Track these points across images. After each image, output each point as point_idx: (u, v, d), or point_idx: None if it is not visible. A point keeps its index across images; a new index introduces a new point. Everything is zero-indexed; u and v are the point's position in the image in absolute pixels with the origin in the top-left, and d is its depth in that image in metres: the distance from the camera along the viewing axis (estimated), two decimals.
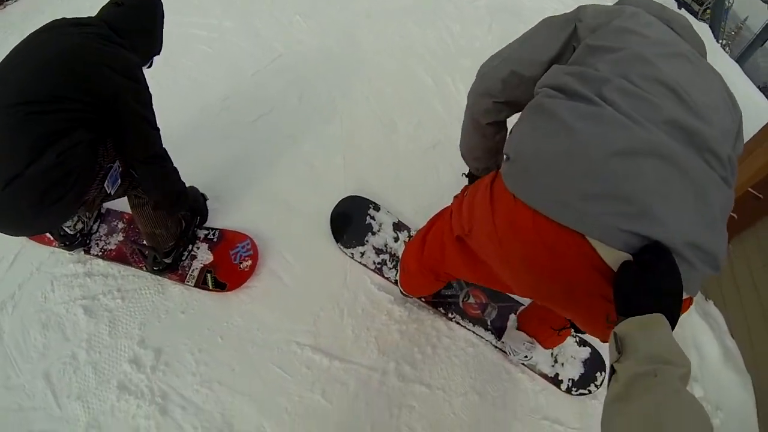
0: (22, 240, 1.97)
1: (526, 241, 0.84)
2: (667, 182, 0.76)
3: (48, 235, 1.88)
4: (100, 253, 1.93)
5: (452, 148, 2.09)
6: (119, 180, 1.44)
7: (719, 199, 0.80)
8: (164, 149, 1.54)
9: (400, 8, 3.42)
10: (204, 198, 2.02)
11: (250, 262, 1.85)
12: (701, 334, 2.29)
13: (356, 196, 2.09)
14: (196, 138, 2.37)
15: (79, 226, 1.89)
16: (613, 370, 0.66)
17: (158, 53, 1.68)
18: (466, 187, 1.25)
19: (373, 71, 2.86)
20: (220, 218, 2.05)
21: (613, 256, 0.76)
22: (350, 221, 2.01)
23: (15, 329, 1.77)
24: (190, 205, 1.86)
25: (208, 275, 1.83)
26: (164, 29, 1.65)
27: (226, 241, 1.93)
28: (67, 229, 1.84)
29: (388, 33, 3.19)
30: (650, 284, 0.70)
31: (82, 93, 1.24)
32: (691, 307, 2.25)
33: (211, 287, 1.80)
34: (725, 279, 2.41)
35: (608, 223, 0.75)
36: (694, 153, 0.79)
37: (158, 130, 1.50)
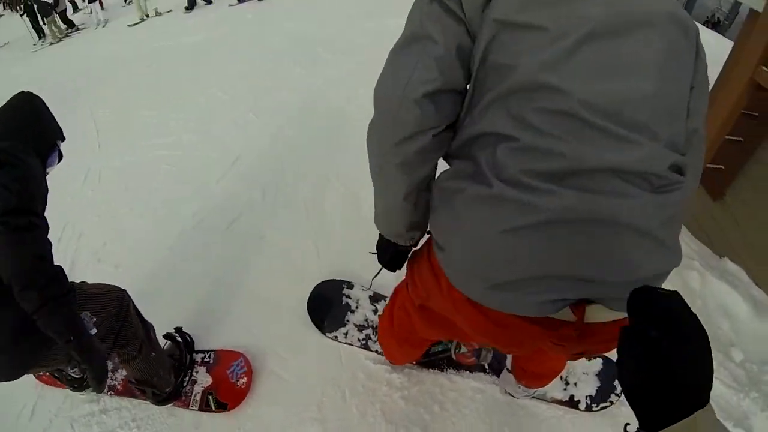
0: (38, 389, 2.10)
1: (470, 316, 0.92)
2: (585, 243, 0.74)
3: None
4: (109, 391, 2.05)
5: None
6: (93, 329, 1.41)
7: (658, 215, 0.74)
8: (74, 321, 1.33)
9: (346, 75, 3.67)
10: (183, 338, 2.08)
11: (245, 379, 1.95)
12: (725, 296, 2.24)
13: (327, 280, 2.22)
14: (177, 263, 2.55)
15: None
16: None
17: (61, 139, 1.60)
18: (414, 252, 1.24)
19: (329, 145, 3.08)
20: (214, 338, 2.18)
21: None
22: (327, 305, 2.13)
23: None
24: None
25: (210, 397, 1.93)
26: (54, 122, 1.59)
27: (221, 362, 2.04)
28: (72, 374, 1.87)
29: (337, 100, 3.43)
30: (673, 373, 0.51)
31: None
32: (706, 272, 2.29)
33: (214, 409, 1.90)
34: (731, 232, 2.39)
35: (537, 300, 0.79)
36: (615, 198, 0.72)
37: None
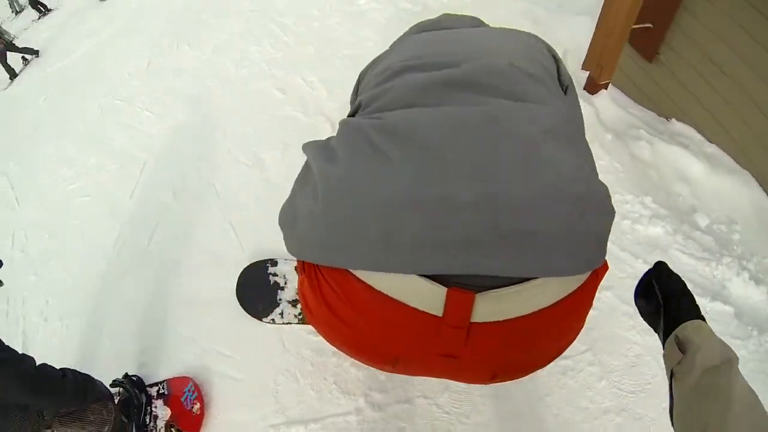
0: None
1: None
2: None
3: None
4: None
5: None
6: None
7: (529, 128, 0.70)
8: (31, 374, 1.54)
9: (233, 37, 3.42)
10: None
11: (198, 404, 1.92)
12: (679, 159, 2.18)
13: (249, 264, 2.11)
14: (112, 297, 2.49)
15: None
16: (672, 374, 0.72)
17: None
18: None
19: (224, 118, 2.89)
20: (164, 361, 2.14)
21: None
22: (257, 289, 2.03)
23: None
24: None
25: (173, 429, 1.92)
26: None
27: (174, 390, 2.00)
28: None
29: (226, 69, 3.21)
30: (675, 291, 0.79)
31: None
32: (655, 138, 2.19)
33: None
34: (672, 90, 2.32)
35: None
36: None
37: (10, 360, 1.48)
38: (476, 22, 1.09)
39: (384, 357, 0.83)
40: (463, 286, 0.66)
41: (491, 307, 0.68)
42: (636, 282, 0.88)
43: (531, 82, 0.76)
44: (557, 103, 0.78)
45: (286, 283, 2.01)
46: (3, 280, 1.84)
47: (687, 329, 0.74)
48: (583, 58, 2.51)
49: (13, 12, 14.33)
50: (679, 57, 2.22)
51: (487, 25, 1.08)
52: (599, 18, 2.28)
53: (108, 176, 3.16)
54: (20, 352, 1.52)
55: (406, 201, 0.64)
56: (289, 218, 0.85)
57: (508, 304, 0.68)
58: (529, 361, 0.84)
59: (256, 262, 2.11)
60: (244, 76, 3.11)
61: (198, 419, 1.91)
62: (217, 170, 2.67)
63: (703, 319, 0.76)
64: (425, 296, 0.67)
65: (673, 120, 2.36)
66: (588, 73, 2.52)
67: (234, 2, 4.25)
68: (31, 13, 12.33)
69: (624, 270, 1.93)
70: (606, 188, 0.75)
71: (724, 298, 1.80)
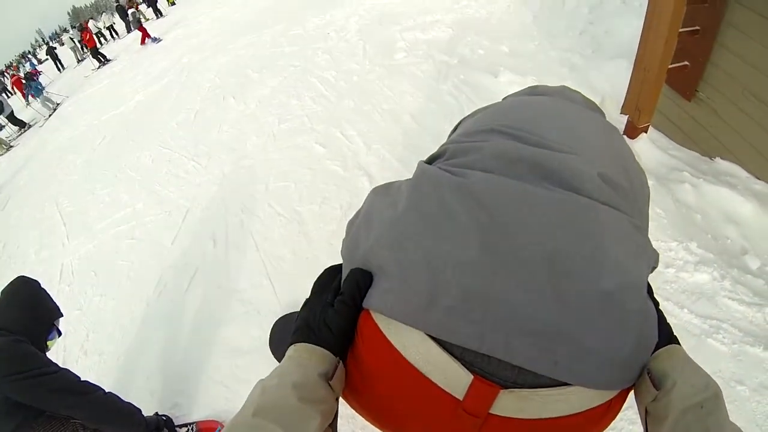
0: None
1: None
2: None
3: None
4: None
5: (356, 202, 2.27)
6: None
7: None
8: (74, 384, 1.80)
9: (275, 91, 3.75)
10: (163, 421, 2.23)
11: None
12: (725, 200, 2.11)
13: (283, 315, 2.28)
14: (150, 337, 2.70)
15: None
16: (646, 413, 0.68)
17: (56, 318, 1.99)
18: None
19: (266, 171, 3.17)
20: (193, 409, 2.30)
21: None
22: (288, 340, 2.18)
23: None
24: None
25: None
26: (49, 302, 2.01)
27: None
28: None
29: (269, 123, 3.52)
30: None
31: None
32: (699, 180, 2.16)
33: None
34: (714, 127, 2.29)
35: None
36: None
37: (57, 372, 1.76)
38: (592, 106, 1.07)
39: (392, 424, 0.83)
40: (489, 376, 0.67)
41: (513, 405, 0.68)
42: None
43: (615, 194, 0.77)
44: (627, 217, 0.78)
45: None
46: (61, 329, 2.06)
47: (660, 357, 0.69)
48: (621, 103, 2.55)
49: (76, 59, 15.95)
50: (719, 93, 2.21)
51: (601, 115, 1.05)
52: (635, 60, 2.33)
53: (154, 222, 3.46)
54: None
55: (466, 265, 0.66)
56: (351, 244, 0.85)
57: (531, 405, 0.68)
58: None
59: (290, 313, 2.28)
60: (286, 130, 3.41)
61: None
62: (257, 222, 2.90)
63: (677, 341, 0.71)
64: (451, 377, 0.68)
65: (717, 159, 2.32)
66: (627, 117, 2.55)
67: (277, 58, 4.63)
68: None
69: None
70: (656, 313, 0.75)
71: None
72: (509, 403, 0.68)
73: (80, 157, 6.19)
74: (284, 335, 2.22)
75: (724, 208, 2.10)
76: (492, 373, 0.66)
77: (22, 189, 6.97)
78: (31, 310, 1.91)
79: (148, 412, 2.16)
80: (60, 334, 2.02)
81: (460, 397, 0.68)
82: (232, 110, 4.31)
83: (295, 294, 2.43)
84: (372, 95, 3.38)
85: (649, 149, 2.45)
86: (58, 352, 2.95)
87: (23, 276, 2.00)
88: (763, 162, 2.09)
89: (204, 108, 4.75)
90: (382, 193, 0.83)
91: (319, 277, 0.84)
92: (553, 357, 0.64)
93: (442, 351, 0.67)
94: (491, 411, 0.69)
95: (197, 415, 2.27)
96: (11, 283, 1.95)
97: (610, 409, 0.73)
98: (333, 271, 0.82)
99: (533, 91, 1.09)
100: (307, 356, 0.70)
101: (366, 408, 0.84)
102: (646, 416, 0.68)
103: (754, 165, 2.15)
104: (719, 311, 1.83)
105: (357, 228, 0.83)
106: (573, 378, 0.65)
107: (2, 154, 11.72)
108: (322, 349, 0.71)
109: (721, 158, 2.30)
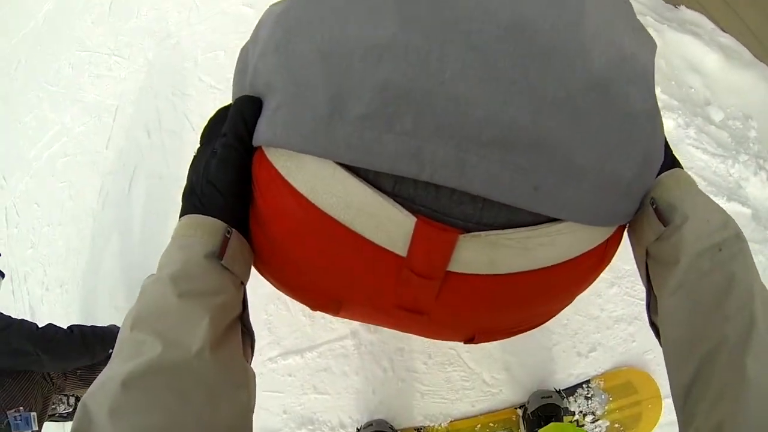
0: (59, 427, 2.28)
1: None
2: None
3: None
4: None
5: None
6: (32, 414, 1.62)
7: None
8: (35, 334, 1.67)
9: None
10: None
11: None
12: (689, 49, 2.05)
13: None
14: (101, 251, 2.58)
15: (72, 401, 2.11)
16: (647, 255, 0.55)
17: None
18: None
19: (193, 47, 2.87)
20: None
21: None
22: None
23: None
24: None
25: None
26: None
27: None
28: (62, 412, 2.08)
29: None
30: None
31: None
32: (663, 26, 2.06)
33: None
34: None
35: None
36: None
37: (10, 326, 1.63)
38: None
39: (321, 299, 0.65)
40: (439, 217, 0.45)
41: (480, 256, 0.47)
42: None
43: None
44: None
45: None
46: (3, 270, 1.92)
47: (665, 185, 0.53)
48: None
49: None
50: None
51: None
52: None
53: (85, 130, 3.16)
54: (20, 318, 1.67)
55: (383, 48, 0.42)
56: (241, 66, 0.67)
57: (505, 254, 0.47)
58: (517, 325, 0.65)
59: None
60: None
61: None
62: (190, 101, 2.63)
63: (680, 166, 0.56)
64: (384, 223, 0.46)
65: (682, 7, 2.19)
66: None
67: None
68: None
69: None
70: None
71: (741, 198, 1.74)
72: (474, 254, 0.47)
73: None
74: None
75: (687, 57, 2.06)
76: (443, 212, 0.45)
77: None
78: None
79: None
80: (3, 276, 1.90)
81: (403, 253, 0.48)
82: None
83: None
84: None
85: None
86: (22, 296, 2.86)
87: None
88: (731, 13, 1.98)
89: None
90: None
91: (206, 124, 0.65)
92: (530, 179, 0.43)
93: (365, 185, 0.44)
94: (450, 268, 0.48)
95: None
96: None
97: (606, 255, 0.56)
98: (222, 111, 0.63)
99: None
100: (191, 232, 0.51)
101: (285, 282, 0.65)
102: (646, 260, 0.55)
103: (720, 15, 2.06)
104: (684, 159, 1.77)
105: (244, 49, 0.65)
106: (560, 210, 0.45)
107: None
108: (207, 218, 0.52)
109: (686, 6, 2.18)
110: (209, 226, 0.51)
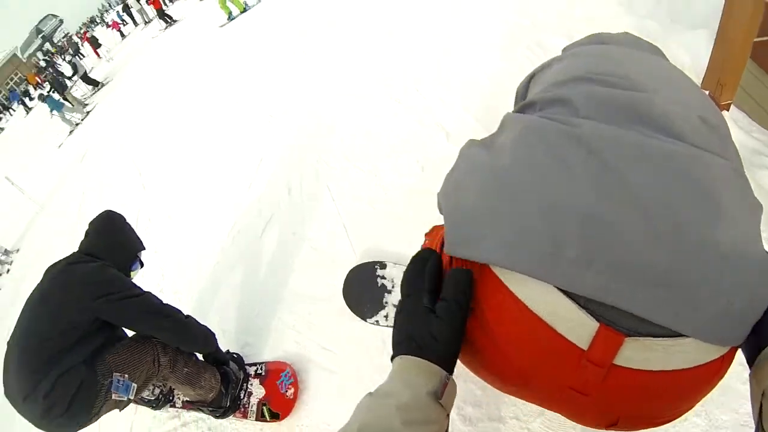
0: (132, 408, 2.56)
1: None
2: None
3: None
4: (181, 406, 2.47)
5: (438, 162, 2.46)
6: (132, 385, 1.88)
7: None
8: (159, 306, 1.96)
9: (337, 52, 3.87)
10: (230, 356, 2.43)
11: (292, 389, 2.20)
12: None
13: (359, 264, 2.35)
14: (223, 279, 2.91)
15: (156, 391, 2.38)
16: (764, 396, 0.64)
17: (139, 251, 2.18)
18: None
19: (343, 125, 3.29)
20: (265, 345, 2.47)
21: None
22: (363, 290, 2.25)
23: None
24: (217, 358, 2.29)
25: (264, 408, 2.22)
26: (133, 234, 2.20)
27: (271, 373, 2.31)
28: (146, 397, 2.36)
29: (346, 82, 3.62)
30: None
31: (68, 324, 1.77)
32: None
33: (268, 419, 2.19)
34: None
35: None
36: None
37: (142, 295, 1.93)
38: (658, 52, 1.10)
39: (513, 378, 0.85)
40: (613, 325, 0.69)
41: (638, 355, 0.70)
42: None
43: (716, 138, 0.79)
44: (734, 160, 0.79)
45: (393, 287, 2.21)
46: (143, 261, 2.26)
47: None
48: (702, 77, 2.46)
49: (142, 23, 17.05)
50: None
51: (667, 60, 1.10)
52: (718, 32, 2.25)
53: (229, 169, 3.69)
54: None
55: (587, 215, 0.68)
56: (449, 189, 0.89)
57: (656, 356, 0.70)
58: (655, 416, 0.84)
59: (366, 263, 2.34)
60: (364, 86, 3.50)
61: (290, 403, 2.17)
62: (333, 173, 3.00)
63: None
64: (576, 326, 0.70)
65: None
66: (708, 93, 2.44)
67: (342, 14, 4.72)
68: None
69: None
70: None
71: None
72: (634, 353, 0.69)
73: (155, 112, 6.66)
74: (358, 286, 2.31)
75: None
76: (615, 321, 0.68)
77: (100, 144, 7.49)
78: (117, 240, 2.11)
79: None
80: (142, 265, 2.21)
81: (585, 347, 0.70)
82: (310, 66, 4.43)
83: (371, 245, 2.50)
84: (452, 59, 3.38)
85: (731, 129, 2.31)
86: None
87: (110, 210, 2.20)
88: None
89: (280, 62, 4.94)
90: (480, 145, 0.87)
91: (405, 275, 0.82)
92: (674, 308, 0.66)
93: (570, 301, 0.69)
94: (615, 361, 0.70)
95: (267, 356, 2.44)
96: (99, 215, 2.16)
97: (723, 365, 0.74)
98: (418, 264, 0.82)
99: (599, 39, 1.09)
100: (414, 373, 0.70)
101: (486, 366, 0.89)
102: (762, 399, 0.64)
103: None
104: None
105: (456, 181, 0.87)
106: (691, 330, 0.67)
107: (82, 119, 12.79)
108: (430, 364, 0.71)
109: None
110: (432, 370, 0.73)
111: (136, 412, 2.67)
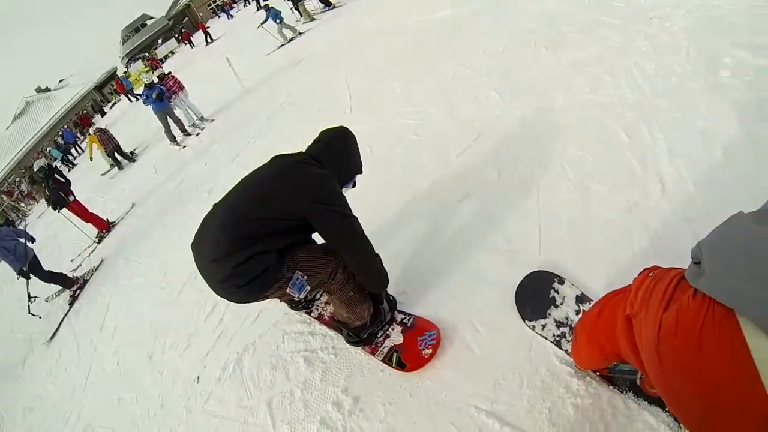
0: (265, 303, 2.87)
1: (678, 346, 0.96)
2: None
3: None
4: (317, 318, 2.73)
5: (647, 211, 2.30)
6: (306, 286, 2.02)
7: None
8: (361, 234, 2.08)
9: (591, 59, 3.76)
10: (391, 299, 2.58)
11: (431, 350, 2.29)
12: None
13: (542, 271, 2.35)
14: (407, 225, 3.13)
15: (303, 294, 2.57)
16: None
17: (358, 173, 2.30)
18: (655, 267, 1.31)
19: (567, 134, 3.22)
20: (421, 300, 2.62)
21: None
22: (535, 294, 2.27)
23: (252, 366, 2.85)
24: (378, 298, 2.44)
25: (395, 354, 2.35)
26: (359, 156, 2.29)
27: (417, 328, 2.44)
28: (295, 298, 2.39)
29: (580, 89, 3.53)
30: None
31: (279, 212, 1.91)
32: None
33: (393, 365, 2.32)
34: None
35: None
36: None
37: (353, 218, 2.04)
38: None
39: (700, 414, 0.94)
40: None
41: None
42: None
43: None
44: None
45: (561, 304, 2.20)
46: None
47: None
48: None
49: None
50: None
51: None
52: None
53: (441, 130, 3.84)
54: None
55: None
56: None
57: None
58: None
59: (549, 272, 2.35)
60: (596, 103, 3.36)
61: (423, 361, 2.27)
62: (545, 174, 3.00)
63: None
64: None
65: None
66: None
67: (597, 26, 4.43)
68: None
69: None
70: None
71: None
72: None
73: (383, 45, 7.14)
74: (532, 288, 2.33)
75: None
76: None
77: (317, 56, 8.15)
78: (346, 157, 2.22)
79: None
80: (354, 185, 2.34)
81: None
82: (544, 63, 4.32)
83: (556, 256, 2.47)
84: (688, 104, 3.01)
85: None
86: None
87: (345, 127, 2.30)
88: None
89: (514, 48, 4.90)
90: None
91: None
92: None
93: None
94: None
95: (419, 311, 2.57)
96: (335, 128, 2.27)
97: None
98: None
99: None
100: None
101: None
102: None
103: None
104: None
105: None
106: None
107: (307, 21, 13.99)
108: None
109: None
110: None
111: (269, 303, 2.96)
